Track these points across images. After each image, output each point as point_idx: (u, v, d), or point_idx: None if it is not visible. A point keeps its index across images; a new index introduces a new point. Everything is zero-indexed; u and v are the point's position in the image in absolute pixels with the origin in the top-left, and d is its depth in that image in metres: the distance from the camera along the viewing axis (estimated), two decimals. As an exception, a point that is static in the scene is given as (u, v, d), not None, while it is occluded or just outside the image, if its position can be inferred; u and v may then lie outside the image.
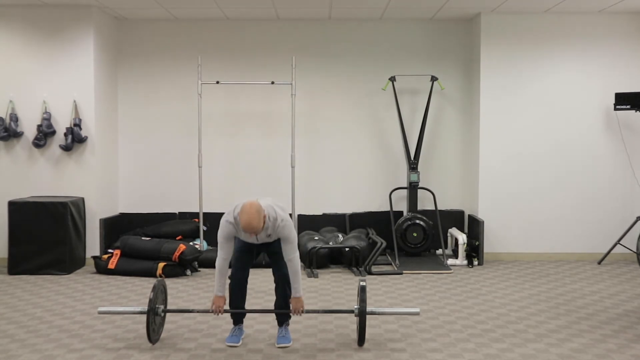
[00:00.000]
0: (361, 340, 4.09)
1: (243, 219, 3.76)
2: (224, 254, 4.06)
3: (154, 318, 4.09)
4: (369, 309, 4.17)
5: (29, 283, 5.99)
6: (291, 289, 4.13)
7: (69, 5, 6.62)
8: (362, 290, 4.12)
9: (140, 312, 4.19)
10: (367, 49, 7.42)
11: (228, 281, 4.23)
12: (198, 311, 4.26)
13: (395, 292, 5.64)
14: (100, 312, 4.25)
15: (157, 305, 4.12)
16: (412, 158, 7.19)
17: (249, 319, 4.63)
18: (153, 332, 4.10)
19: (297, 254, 4.08)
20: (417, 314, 4.26)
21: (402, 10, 6.94)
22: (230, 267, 4.18)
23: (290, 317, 4.33)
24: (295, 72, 6.89)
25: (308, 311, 4.22)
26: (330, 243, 6.69)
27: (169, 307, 4.90)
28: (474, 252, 6.91)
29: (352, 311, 4.18)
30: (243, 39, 7.38)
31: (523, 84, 7.05)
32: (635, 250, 6.88)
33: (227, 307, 4.31)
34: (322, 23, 7.39)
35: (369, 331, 4.44)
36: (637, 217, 6.79)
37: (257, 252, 4.28)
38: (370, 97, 7.46)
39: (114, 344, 4.21)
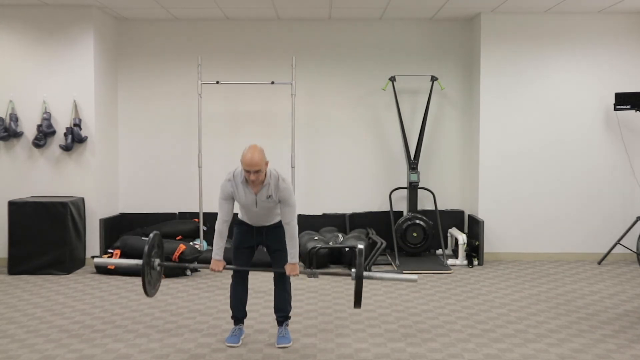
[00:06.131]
0: (357, 302, 3.92)
1: (246, 155, 3.93)
2: (223, 216, 4.10)
3: (150, 271, 4.06)
4: (366, 273, 4.00)
5: (29, 283, 5.98)
6: (287, 254, 4.10)
7: (69, 5, 6.62)
8: (360, 253, 3.93)
9: (136, 265, 4.13)
10: (367, 49, 7.42)
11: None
12: (194, 266, 4.50)
13: (395, 292, 5.64)
14: (96, 264, 4.26)
15: (152, 259, 4.07)
16: (412, 158, 7.19)
17: (249, 319, 4.63)
18: (149, 284, 4.05)
19: (296, 219, 4.11)
20: (414, 280, 4.09)
21: (402, 10, 6.94)
22: (229, 249, 4.16)
23: (289, 317, 4.35)
24: (295, 72, 6.89)
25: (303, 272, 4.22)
26: (330, 243, 6.69)
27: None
28: (474, 252, 6.91)
29: (349, 274, 4.06)
30: (243, 39, 7.38)
31: (523, 84, 7.05)
32: (635, 250, 6.89)
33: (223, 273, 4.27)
34: (322, 23, 7.38)
35: (368, 331, 4.44)
36: (637, 217, 6.79)
37: (257, 243, 4.25)
38: (370, 97, 7.45)
39: (114, 344, 4.22)
